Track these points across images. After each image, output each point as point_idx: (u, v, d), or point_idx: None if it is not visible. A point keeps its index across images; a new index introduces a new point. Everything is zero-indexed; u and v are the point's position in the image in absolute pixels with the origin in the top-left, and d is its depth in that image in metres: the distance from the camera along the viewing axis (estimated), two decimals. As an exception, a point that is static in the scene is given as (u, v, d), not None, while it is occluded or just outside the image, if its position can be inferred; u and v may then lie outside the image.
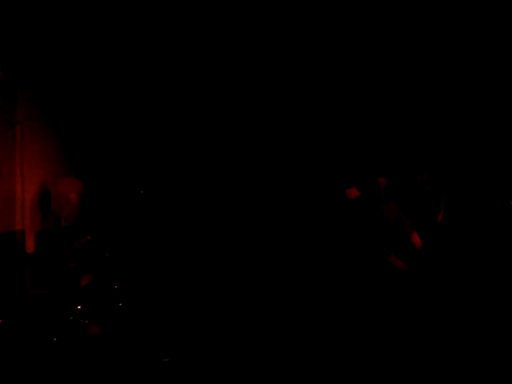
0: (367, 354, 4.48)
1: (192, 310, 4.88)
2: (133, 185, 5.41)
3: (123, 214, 5.22)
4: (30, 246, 4.74)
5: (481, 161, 7.24)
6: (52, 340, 3.94)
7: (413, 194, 6.36)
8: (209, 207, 5.73)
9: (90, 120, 5.57)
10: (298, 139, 6.68)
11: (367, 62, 6.91)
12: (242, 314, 5.08)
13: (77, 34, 5.27)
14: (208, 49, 6.23)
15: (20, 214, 4.68)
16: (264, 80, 6.49)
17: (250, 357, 4.54)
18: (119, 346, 4.05)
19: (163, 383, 4.18)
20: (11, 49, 4.55)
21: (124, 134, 5.75)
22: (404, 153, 7.81)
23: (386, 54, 6.82)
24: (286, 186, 6.41)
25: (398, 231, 4.74)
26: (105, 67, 5.54)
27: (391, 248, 4.78)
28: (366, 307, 4.59)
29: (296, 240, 5.78)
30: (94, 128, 5.60)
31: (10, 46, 4.55)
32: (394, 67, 7.02)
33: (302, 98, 6.73)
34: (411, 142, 8.03)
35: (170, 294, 4.96)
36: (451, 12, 6.37)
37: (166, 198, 5.58)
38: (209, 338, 4.64)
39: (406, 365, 4.52)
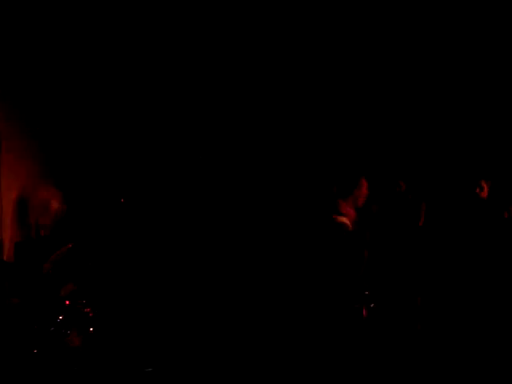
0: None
1: (179, 318, 4.82)
2: (113, 192, 5.34)
3: (104, 222, 5.14)
4: (8, 255, 4.63)
5: (458, 166, 7.30)
6: (32, 352, 3.84)
7: (394, 205, 6.38)
8: (192, 214, 5.68)
9: (68, 127, 5.48)
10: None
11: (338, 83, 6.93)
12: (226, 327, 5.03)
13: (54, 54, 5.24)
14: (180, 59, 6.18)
15: (-3, 223, 4.58)
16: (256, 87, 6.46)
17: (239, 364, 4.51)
18: (102, 357, 3.97)
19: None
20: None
21: (104, 142, 5.67)
22: (380, 163, 7.82)
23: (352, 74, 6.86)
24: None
25: None
26: (79, 77, 5.48)
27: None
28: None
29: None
30: (73, 135, 5.52)
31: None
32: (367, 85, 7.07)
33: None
34: (385, 151, 8.05)
35: (155, 302, 4.89)
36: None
37: (148, 206, 5.51)
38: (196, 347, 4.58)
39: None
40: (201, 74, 6.15)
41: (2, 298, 4.31)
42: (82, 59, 5.43)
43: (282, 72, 6.49)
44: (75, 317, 4.06)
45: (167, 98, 5.96)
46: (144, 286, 4.97)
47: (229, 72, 6.29)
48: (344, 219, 4.37)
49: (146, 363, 4.34)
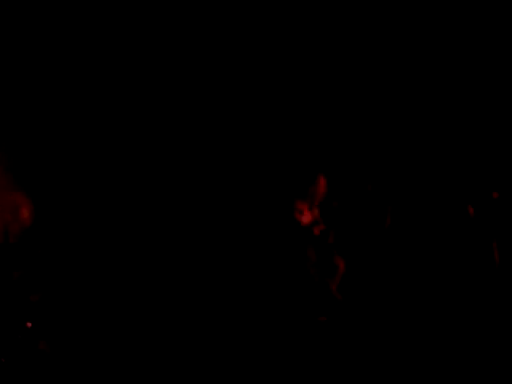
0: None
1: (149, 325, 4.82)
2: (85, 197, 5.31)
3: (75, 227, 5.12)
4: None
5: (425, 168, 7.40)
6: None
7: (358, 207, 6.45)
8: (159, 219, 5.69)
9: (36, 126, 5.44)
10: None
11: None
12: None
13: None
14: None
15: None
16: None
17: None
18: (72, 364, 3.97)
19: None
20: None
21: (74, 144, 5.64)
22: (343, 163, 7.86)
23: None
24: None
25: None
26: (44, 78, 5.46)
27: None
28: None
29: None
30: (41, 135, 5.47)
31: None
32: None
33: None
34: (349, 152, 8.09)
35: (127, 309, 4.89)
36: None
37: (120, 211, 5.50)
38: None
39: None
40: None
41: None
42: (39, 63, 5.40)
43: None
44: (45, 324, 4.05)
45: (131, 101, 5.96)
46: (117, 290, 4.97)
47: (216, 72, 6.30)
48: (299, 216, 4.51)
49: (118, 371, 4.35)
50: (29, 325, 3.96)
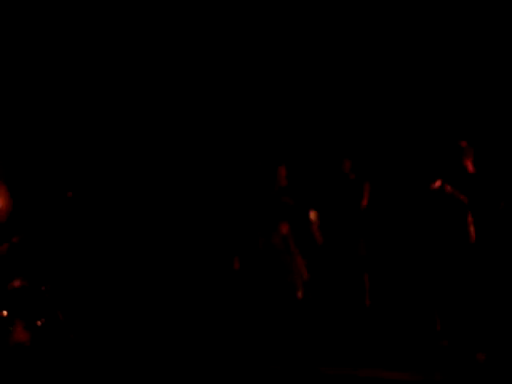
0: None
1: (127, 314, 4.84)
2: (61, 186, 5.33)
3: (52, 216, 5.15)
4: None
5: (405, 146, 7.46)
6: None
7: (336, 184, 6.54)
8: (139, 209, 5.71)
9: (12, 114, 5.44)
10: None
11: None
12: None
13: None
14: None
15: None
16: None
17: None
18: (49, 354, 4.03)
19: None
20: None
21: (50, 131, 5.65)
22: (323, 140, 7.92)
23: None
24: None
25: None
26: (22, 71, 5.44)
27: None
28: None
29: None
30: (17, 123, 5.48)
31: None
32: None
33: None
34: (330, 128, 8.15)
35: (104, 298, 4.92)
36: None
37: (96, 200, 5.52)
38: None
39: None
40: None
41: None
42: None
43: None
44: (21, 312, 4.10)
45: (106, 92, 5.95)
46: (94, 279, 5.01)
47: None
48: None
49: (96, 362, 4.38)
50: (4, 313, 4.01)
